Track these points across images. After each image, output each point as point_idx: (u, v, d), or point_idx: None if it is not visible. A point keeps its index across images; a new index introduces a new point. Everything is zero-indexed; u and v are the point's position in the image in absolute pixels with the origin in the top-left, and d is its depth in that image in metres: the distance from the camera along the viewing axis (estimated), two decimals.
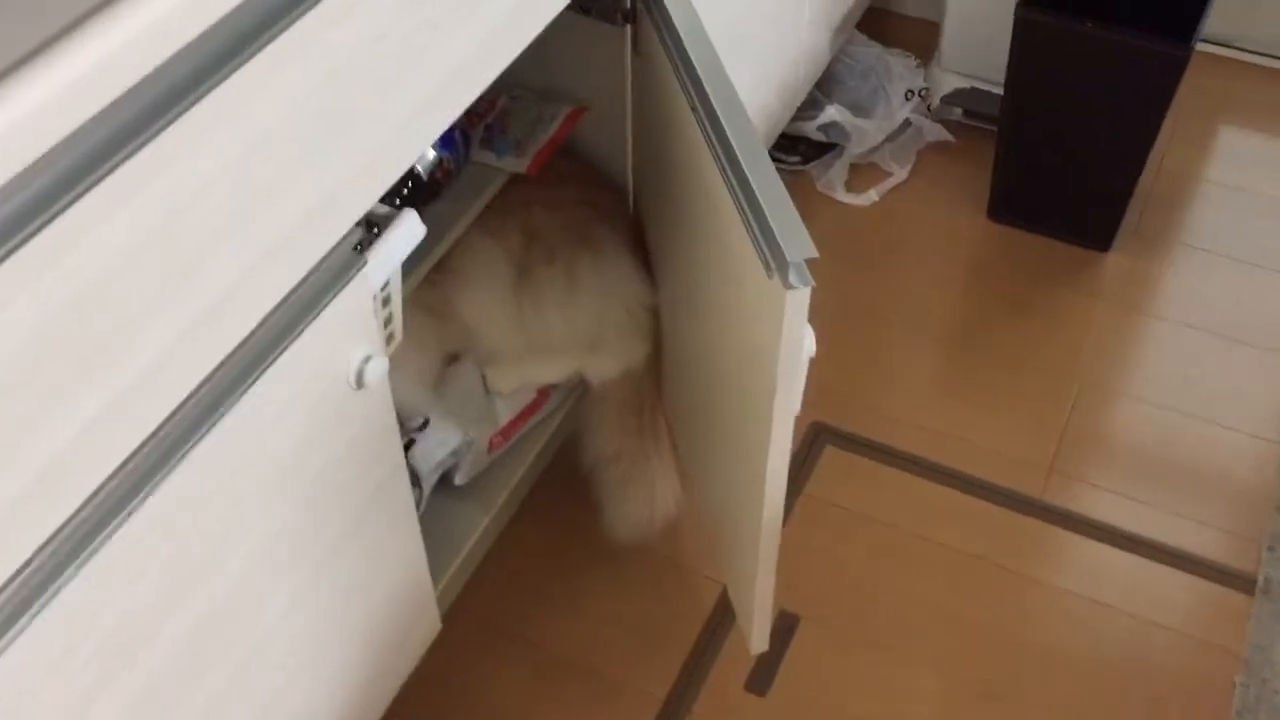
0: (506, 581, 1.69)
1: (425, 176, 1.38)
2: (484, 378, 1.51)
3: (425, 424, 1.43)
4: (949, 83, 2.30)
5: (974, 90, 2.29)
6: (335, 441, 1.08)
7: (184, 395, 0.88)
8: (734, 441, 1.29)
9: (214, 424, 0.92)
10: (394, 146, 1.02)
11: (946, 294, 2.09)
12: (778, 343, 1.04)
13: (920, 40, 2.41)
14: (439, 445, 1.43)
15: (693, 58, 1.19)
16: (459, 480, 1.49)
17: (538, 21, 1.18)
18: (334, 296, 1.01)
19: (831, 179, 2.21)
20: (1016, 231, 2.16)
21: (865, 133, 2.22)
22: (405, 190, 1.34)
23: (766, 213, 1.01)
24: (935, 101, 2.32)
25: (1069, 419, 1.88)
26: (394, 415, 1.16)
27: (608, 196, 1.58)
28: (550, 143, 1.50)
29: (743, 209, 1.07)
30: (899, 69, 2.31)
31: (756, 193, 1.03)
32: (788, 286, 0.99)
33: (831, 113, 2.18)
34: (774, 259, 1.01)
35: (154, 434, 0.86)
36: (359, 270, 1.03)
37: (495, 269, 1.49)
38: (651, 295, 1.56)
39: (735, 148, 1.07)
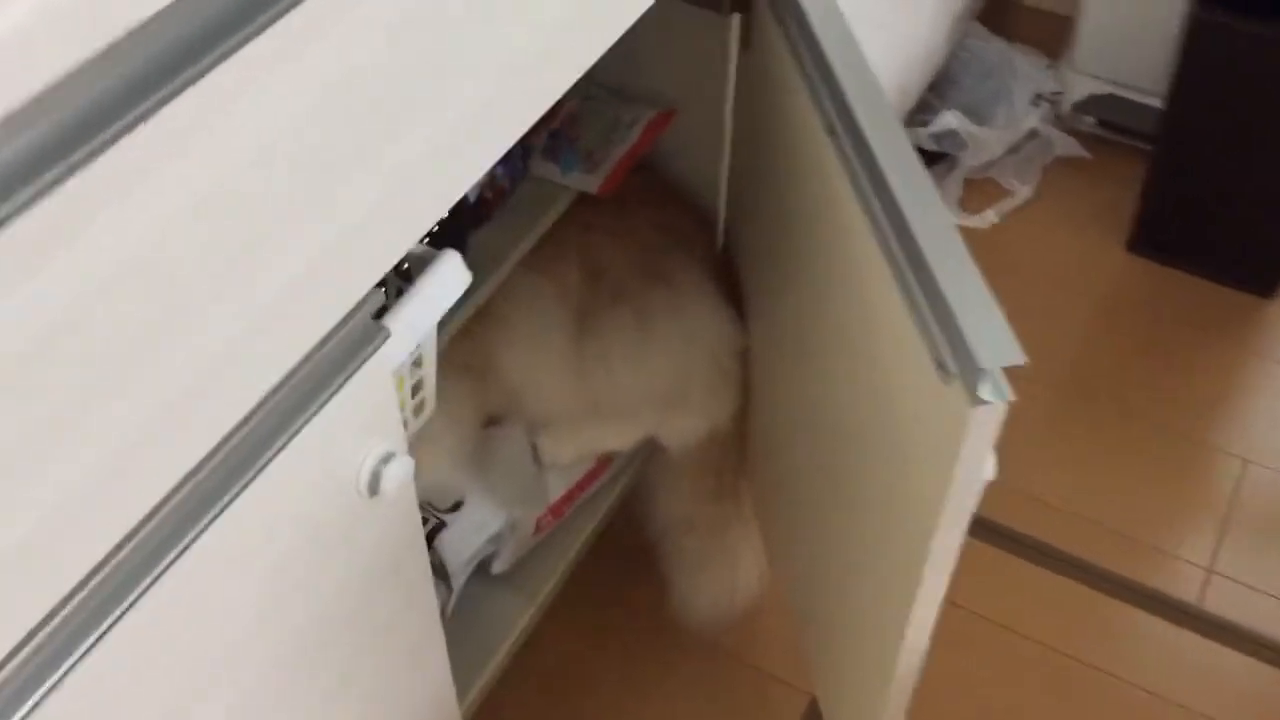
0: (547, 674, 1.43)
1: (473, 198, 1.11)
2: (534, 447, 1.25)
3: (459, 505, 1.17)
4: (1084, 87, 2.00)
5: (1113, 98, 1.99)
6: (339, 558, 0.82)
7: (149, 507, 0.62)
8: (859, 540, 1.02)
9: (187, 545, 0.66)
10: (434, 175, 0.75)
11: (1074, 338, 1.80)
12: (947, 461, 0.76)
13: (1051, 36, 2.10)
14: (475, 531, 1.17)
15: (832, 63, 0.91)
16: (497, 569, 1.23)
17: (630, 10, 0.91)
18: (344, 381, 0.75)
19: (943, 196, 1.92)
20: (1162, 268, 1.87)
21: (984, 142, 1.93)
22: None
23: (948, 298, 0.73)
24: (1066, 109, 2.02)
25: (1230, 503, 1.59)
26: (418, 521, 0.90)
27: (688, 222, 1.31)
28: (628, 155, 1.23)
29: (907, 281, 0.79)
30: (1025, 69, 2.01)
31: (933, 267, 0.75)
32: (975, 401, 0.71)
33: (948, 119, 1.89)
34: (956, 360, 0.73)
35: (113, 554, 0.61)
36: (378, 345, 0.77)
37: (549, 314, 1.22)
38: (742, 337, 1.29)
39: (900, 201, 0.79)
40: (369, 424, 0.79)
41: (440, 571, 1.16)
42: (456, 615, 1.19)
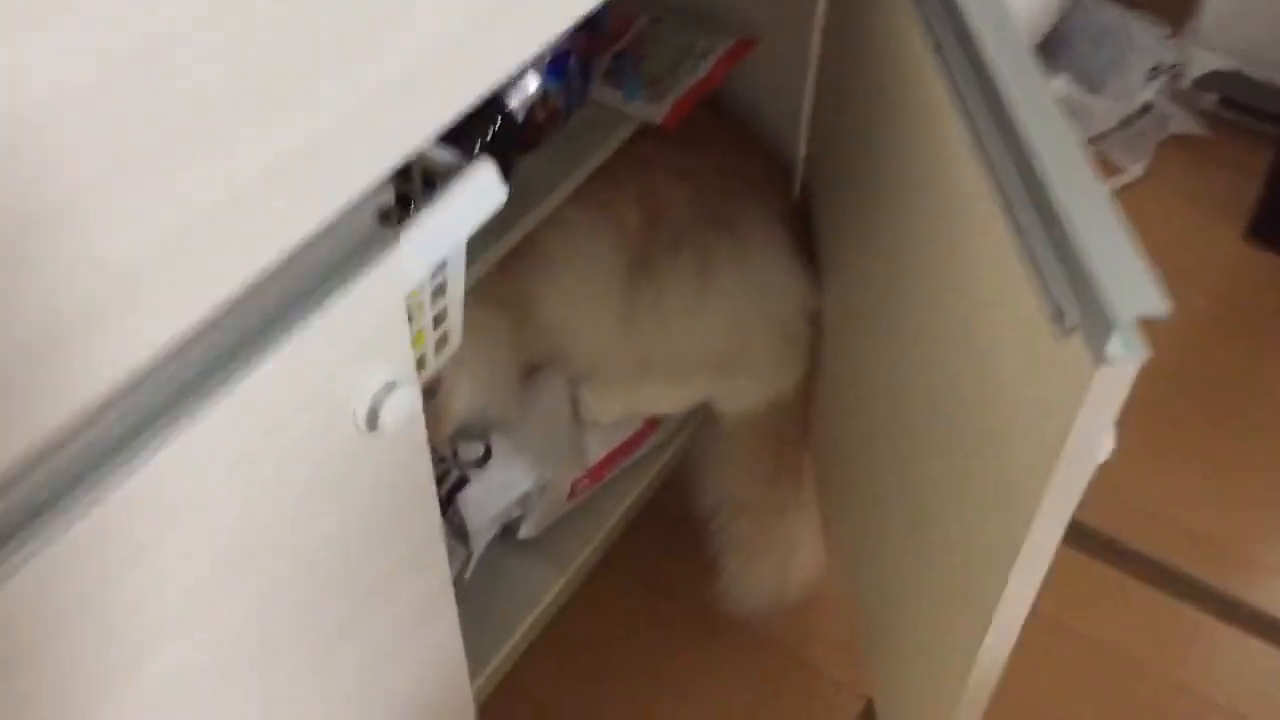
0: (573, 658, 1.32)
1: (521, 116, 0.99)
2: (574, 402, 1.13)
3: (486, 456, 1.06)
4: (1206, 62, 1.83)
5: (1239, 75, 1.82)
6: (331, 498, 0.71)
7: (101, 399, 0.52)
8: (940, 528, 0.89)
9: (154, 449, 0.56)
10: (465, 51, 0.64)
11: (1190, 333, 1.64)
12: (1056, 432, 0.63)
13: (1173, 4, 1.93)
14: (502, 490, 1.06)
15: None
16: (525, 534, 1.12)
17: None
18: (343, 287, 0.64)
19: None
20: None
21: (1094, 113, 1.77)
22: (490, 134, 0.96)
23: (1076, 234, 0.60)
24: (1186, 84, 1.85)
25: None
26: (427, 466, 0.78)
27: (760, 165, 1.18)
28: (699, 86, 1.10)
29: (1021, 218, 0.66)
30: (1143, 38, 1.85)
31: (1057, 200, 0.62)
32: (1101, 359, 0.58)
33: (1056, 84, 1.73)
34: (1079, 308, 0.60)
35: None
36: (385, 253, 0.65)
37: (600, 256, 1.10)
38: (813, 298, 1.16)
39: (1021, 122, 0.66)
40: (372, 346, 0.68)
41: (460, 532, 1.05)
42: (476, 581, 1.09)
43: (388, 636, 0.84)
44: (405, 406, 0.69)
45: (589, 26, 1.05)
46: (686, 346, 1.13)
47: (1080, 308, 0.60)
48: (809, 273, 1.16)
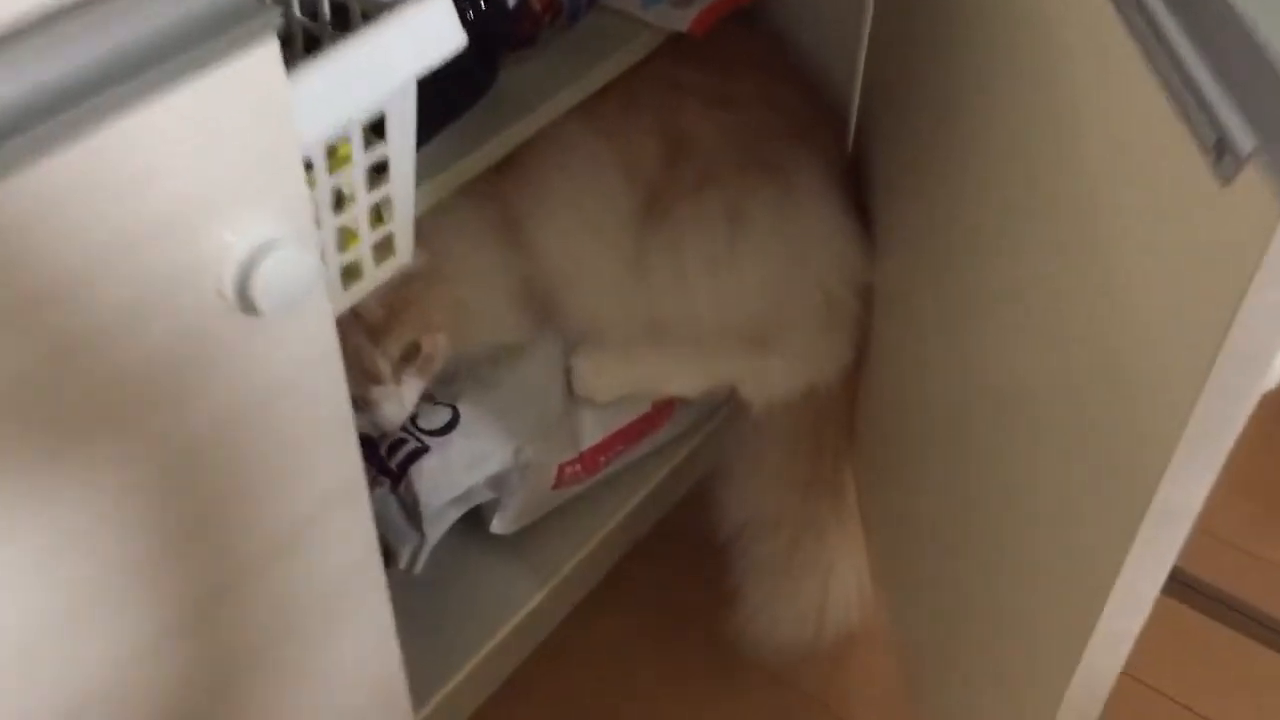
0: (557, 699, 1.10)
1: (513, 1, 0.82)
2: (569, 370, 0.94)
3: (451, 423, 0.87)
4: None
5: None
6: (196, 410, 0.52)
7: None
8: (1029, 539, 0.67)
9: None
10: None
11: None
12: (1220, 312, 0.43)
13: None
14: (468, 464, 0.86)
15: None
16: (499, 527, 0.92)
17: None
18: (199, 62, 0.45)
19: None
20: None
21: None
22: (471, 13, 0.78)
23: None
24: None
25: None
26: (340, 385, 0.59)
27: (807, 103, 1.00)
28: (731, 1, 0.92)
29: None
30: None
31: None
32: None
33: None
34: (1262, 131, 0.40)
35: None
36: (260, 30, 0.47)
37: (607, 191, 0.92)
38: (866, 267, 0.96)
39: None
40: (243, 184, 0.49)
41: (412, 512, 0.85)
42: (431, 581, 0.89)
43: (287, 641, 0.64)
44: (295, 273, 0.50)
45: None
46: (706, 310, 0.93)
47: (1258, 129, 0.40)
48: (862, 236, 0.96)
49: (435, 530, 0.85)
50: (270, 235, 0.50)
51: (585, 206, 0.90)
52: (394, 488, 0.86)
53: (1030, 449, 0.67)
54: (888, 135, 0.96)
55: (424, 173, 0.77)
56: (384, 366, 0.81)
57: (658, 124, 0.93)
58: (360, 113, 0.59)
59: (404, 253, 0.71)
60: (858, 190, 0.99)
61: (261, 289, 0.50)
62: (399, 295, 0.81)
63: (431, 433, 0.86)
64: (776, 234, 0.93)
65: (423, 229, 0.82)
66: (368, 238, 0.67)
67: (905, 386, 0.94)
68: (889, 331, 0.97)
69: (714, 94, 0.94)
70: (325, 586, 0.65)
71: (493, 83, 0.82)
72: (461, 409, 0.87)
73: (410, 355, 0.82)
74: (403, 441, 0.86)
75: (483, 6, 0.79)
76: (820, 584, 1.06)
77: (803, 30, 1.01)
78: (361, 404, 0.81)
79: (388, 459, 0.86)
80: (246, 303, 0.50)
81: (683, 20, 0.89)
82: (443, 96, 0.78)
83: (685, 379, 0.97)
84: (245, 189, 0.49)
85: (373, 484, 0.87)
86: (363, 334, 0.80)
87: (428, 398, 0.87)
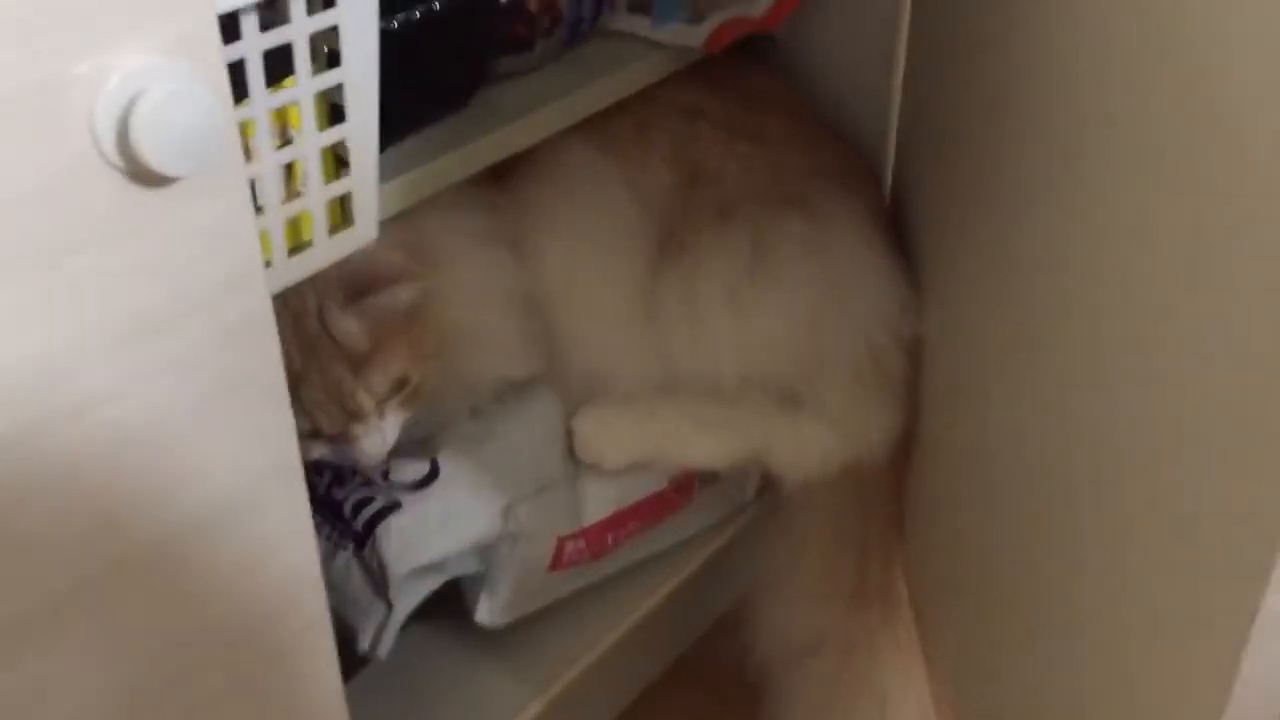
0: None
1: None
2: (571, 430, 0.81)
3: (430, 476, 0.73)
4: None
5: None
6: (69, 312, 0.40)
7: None
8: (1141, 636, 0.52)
9: None
10: None
11: None
12: None
13: None
14: (446, 526, 0.73)
15: None
16: (485, 617, 0.77)
17: None
18: None
19: None
20: None
21: None
22: None
23: None
24: None
25: None
26: (255, 264, 0.47)
27: (834, 143, 0.90)
28: (751, 20, 0.84)
29: None
30: None
31: None
32: None
33: None
34: None
35: None
36: None
37: (620, 218, 0.81)
38: (914, 318, 0.84)
39: None
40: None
41: (379, 580, 0.70)
42: (398, 672, 0.73)
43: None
44: (186, 114, 0.39)
45: None
46: (727, 353, 0.81)
47: None
48: (907, 282, 0.85)
49: (405, 603, 0.70)
50: (159, 66, 0.39)
51: (593, 235, 0.80)
52: (358, 551, 0.71)
53: (1124, 543, 0.54)
54: (931, 177, 0.86)
55: (398, 168, 0.67)
56: (366, 403, 0.69)
57: (676, 152, 0.83)
58: None
59: (365, 226, 0.60)
60: (899, 240, 0.88)
61: (147, 119, 0.38)
62: (386, 324, 0.69)
63: (405, 487, 0.72)
64: (807, 268, 0.82)
65: (421, 240, 0.72)
66: (318, 188, 0.56)
67: (965, 470, 0.80)
68: (943, 400, 0.84)
69: (737, 127, 0.85)
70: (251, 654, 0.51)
71: (477, 85, 0.73)
72: (442, 462, 0.74)
73: (397, 388, 0.70)
74: (370, 499, 0.72)
75: None
76: (875, 714, 0.90)
77: (830, 73, 0.92)
78: (336, 439, 0.68)
79: (352, 519, 0.72)
80: (124, 143, 0.39)
81: (698, 36, 0.81)
82: (421, 92, 0.70)
83: (706, 443, 0.83)
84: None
85: (334, 550, 0.72)
86: (344, 366, 0.68)
87: (404, 450, 0.73)
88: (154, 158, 0.39)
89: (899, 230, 0.89)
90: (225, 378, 0.46)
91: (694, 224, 0.81)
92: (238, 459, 0.48)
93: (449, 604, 0.77)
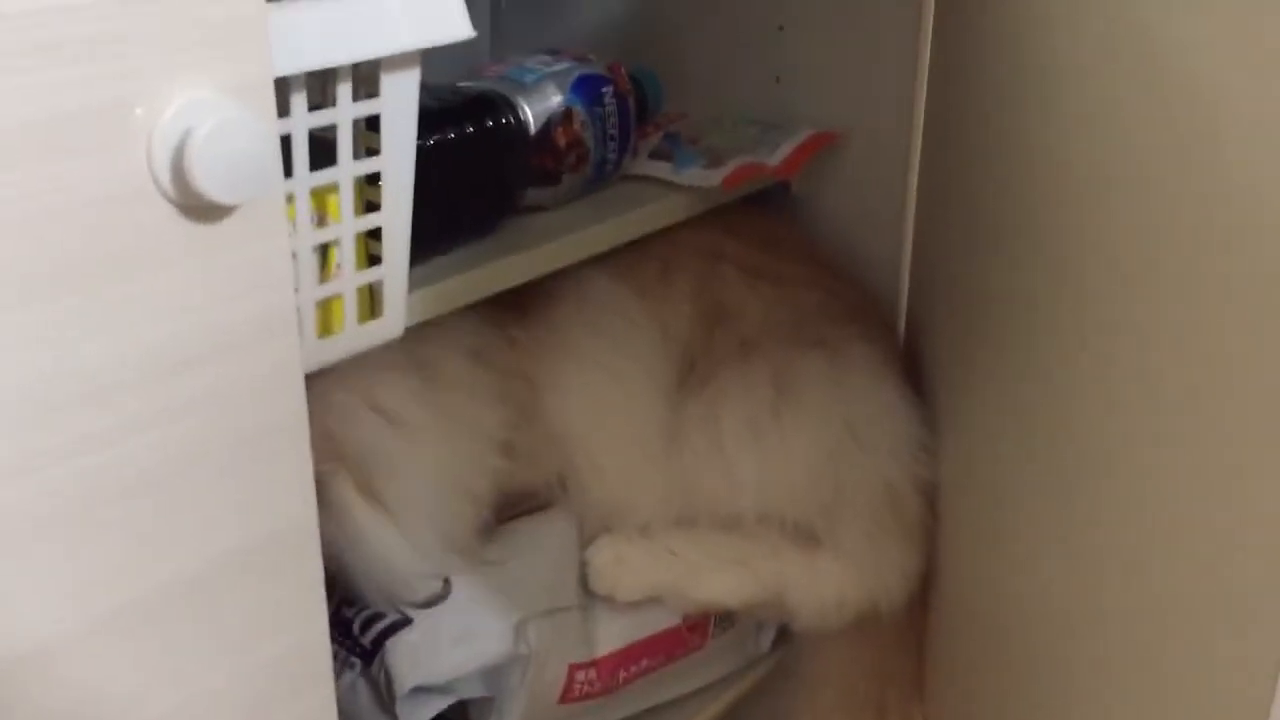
0: None
1: (535, 128, 0.77)
2: (585, 562, 0.79)
3: (442, 595, 0.71)
4: None
5: None
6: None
7: None
8: None
9: None
10: None
11: None
12: None
13: None
14: (457, 646, 0.70)
15: None
16: None
17: None
18: None
19: None
20: None
21: None
22: (491, 123, 0.73)
23: None
24: None
25: None
26: (285, 287, 0.47)
27: (852, 288, 0.92)
28: (767, 168, 0.88)
29: None
30: None
31: None
32: None
33: None
34: None
35: None
36: None
37: (642, 351, 0.83)
38: (931, 461, 0.84)
39: None
40: (182, 39, 0.41)
41: (386, 695, 0.68)
42: None
43: None
44: (238, 144, 0.41)
45: (638, 114, 0.87)
46: (748, 487, 0.80)
47: None
48: (925, 422, 0.85)
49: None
50: (218, 101, 0.42)
51: (615, 366, 0.80)
52: (365, 670, 0.69)
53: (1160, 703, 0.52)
54: (944, 320, 0.88)
55: (424, 280, 0.69)
56: None
57: (698, 290, 0.85)
58: (347, 56, 0.52)
59: (393, 319, 0.61)
60: (915, 383, 0.89)
61: (205, 157, 0.40)
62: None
63: (417, 605, 0.70)
64: (828, 408, 0.82)
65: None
66: (351, 272, 0.57)
67: (983, 624, 0.78)
68: (960, 548, 0.83)
69: (758, 269, 0.87)
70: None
71: (504, 212, 0.76)
72: (455, 582, 0.72)
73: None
74: (380, 615, 0.70)
75: (504, 121, 0.74)
76: None
77: (844, 221, 0.96)
78: None
79: (361, 635, 0.70)
80: (180, 177, 0.40)
81: (715, 177, 0.84)
82: (450, 213, 0.72)
83: (722, 580, 0.82)
84: (187, 48, 0.41)
85: (342, 668, 0.70)
86: None
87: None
88: (206, 182, 0.40)
89: (914, 374, 0.90)
90: (252, 425, 0.46)
91: (716, 358, 0.83)
92: (253, 513, 0.47)
93: None
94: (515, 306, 0.80)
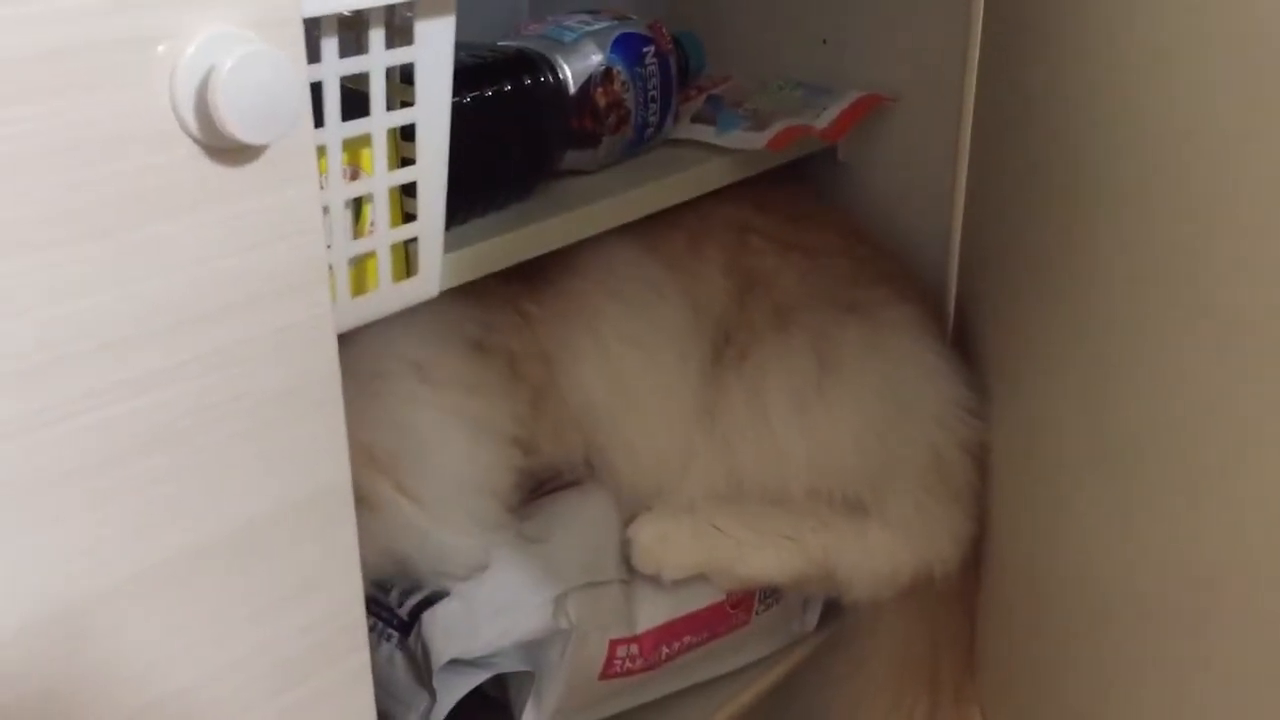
0: None
1: (574, 88, 0.75)
2: (627, 541, 0.77)
3: (483, 565, 0.70)
4: None
5: None
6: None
7: None
8: None
9: None
10: None
11: None
12: None
13: None
14: (497, 613, 0.68)
15: None
16: None
17: None
18: None
19: None
20: None
21: None
22: (529, 81, 0.71)
23: None
24: None
25: None
26: (315, 234, 0.45)
27: (886, 255, 0.89)
28: (814, 130, 0.85)
29: None
30: None
31: None
32: None
33: None
34: None
35: None
36: None
37: (672, 323, 0.80)
38: (979, 424, 0.81)
39: None
40: None
41: (423, 667, 0.66)
42: None
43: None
44: (261, 75, 0.39)
45: (680, 76, 0.84)
46: (795, 461, 0.78)
47: None
48: (971, 385, 0.82)
49: (448, 695, 0.65)
50: (245, 37, 0.39)
51: (644, 339, 0.78)
52: (403, 641, 0.67)
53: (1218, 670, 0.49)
54: (997, 283, 0.84)
55: (458, 241, 0.67)
56: None
57: (729, 262, 0.83)
58: None
59: (428, 279, 0.59)
60: (965, 351, 0.86)
61: (225, 90, 0.38)
62: None
63: (458, 578, 0.69)
64: (872, 377, 0.79)
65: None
66: (385, 229, 0.55)
67: (1038, 591, 0.75)
68: (1013, 514, 0.80)
69: (790, 241, 0.85)
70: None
71: (541, 174, 0.74)
72: (494, 556, 0.70)
73: None
74: (417, 587, 0.68)
75: (542, 80, 0.72)
76: None
77: (894, 186, 0.93)
78: None
79: (398, 606, 0.68)
80: (205, 114, 0.38)
81: (759, 139, 0.82)
82: (486, 174, 0.70)
83: (769, 556, 0.79)
84: None
85: (379, 640, 0.68)
86: None
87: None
88: (232, 120, 0.38)
89: (964, 341, 0.87)
90: (281, 383, 0.44)
91: (751, 330, 0.80)
92: (283, 475, 0.45)
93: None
94: (527, 280, 0.77)
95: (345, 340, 0.70)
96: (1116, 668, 0.63)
